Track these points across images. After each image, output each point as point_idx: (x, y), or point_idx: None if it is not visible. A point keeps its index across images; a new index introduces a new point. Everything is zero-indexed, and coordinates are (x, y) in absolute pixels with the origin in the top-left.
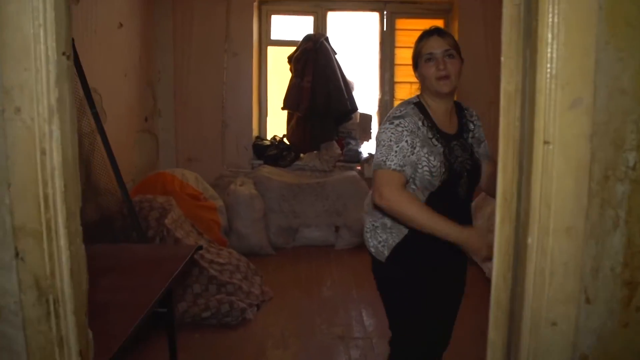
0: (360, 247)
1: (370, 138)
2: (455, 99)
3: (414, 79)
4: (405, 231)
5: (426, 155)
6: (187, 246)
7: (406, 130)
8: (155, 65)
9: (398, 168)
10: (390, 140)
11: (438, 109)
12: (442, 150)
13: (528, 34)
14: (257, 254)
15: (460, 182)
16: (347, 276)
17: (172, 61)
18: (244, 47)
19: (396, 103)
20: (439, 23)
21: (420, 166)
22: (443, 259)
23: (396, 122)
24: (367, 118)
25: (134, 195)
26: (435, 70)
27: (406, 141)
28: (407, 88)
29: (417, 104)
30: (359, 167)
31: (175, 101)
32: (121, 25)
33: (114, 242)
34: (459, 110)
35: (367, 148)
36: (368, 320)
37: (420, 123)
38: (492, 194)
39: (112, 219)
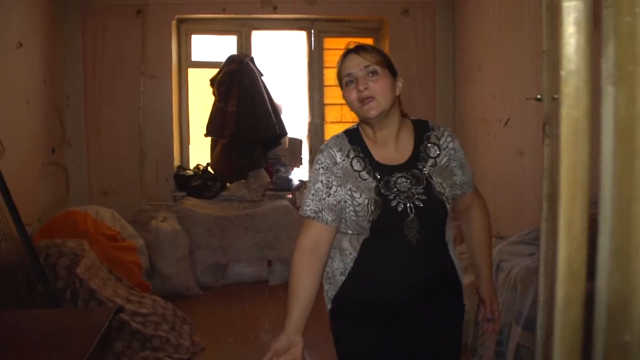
0: None
1: (301, 164)
2: (415, 117)
3: (344, 101)
4: (340, 281)
5: (350, 192)
6: (102, 310)
7: (322, 167)
8: (62, 89)
9: (312, 215)
10: (310, 181)
11: (377, 136)
12: (373, 184)
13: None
14: (183, 295)
15: (406, 223)
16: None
17: (82, 84)
18: (163, 69)
19: (326, 126)
20: (368, 41)
21: (345, 206)
22: (398, 311)
23: (317, 158)
24: (297, 143)
25: (40, 238)
26: (356, 92)
27: (321, 181)
28: (337, 110)
29: (352, 132)
30: (290, 196)
31: (86, 129)
32: (20, 45)
33: (15, 296)
34: (421, 132)
35: (298, 175)
36: None
37: (340, 156)
38: (481, 242)
39: (12, 269)
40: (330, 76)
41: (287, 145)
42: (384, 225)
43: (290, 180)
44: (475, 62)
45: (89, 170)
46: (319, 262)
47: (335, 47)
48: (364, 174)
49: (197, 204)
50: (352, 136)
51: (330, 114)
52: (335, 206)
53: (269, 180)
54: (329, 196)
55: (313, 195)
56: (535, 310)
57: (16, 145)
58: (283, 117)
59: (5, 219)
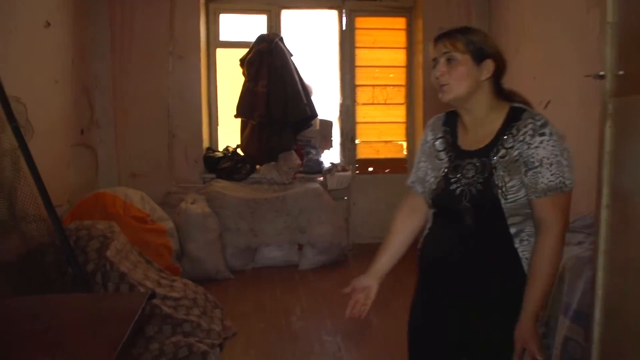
0: (327, 266)
1: (332, 146)
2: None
3: (377, 81)
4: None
5: (429, 170)
6: (135, 295)
7: (420, 143)
8: (91, 70)
9: (409, 184)
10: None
11: (464, 120)
12: (444, 166)
13: None
14: (213, 278)
15: (461, 208)
16: (317, 302)
17: (110, 65)
18: (191, 49)
19: (358, 108)
20: (401, 21)
21: (425, 182)
22: (446, 290)
23: None
24: (327, 124)
25: (70, 220)
26: (433, 77)
27: (418, 156)
28: (369, 91)
29: (451, 113)
30: (320, 178)
31: (115, 110)
32: (48, 24)
33: (46, 279)
34: (510, 120)
35: (329, 157)
36: (348, 356)
37: (431, 135)
38: (533, 271)
39: (43, 252)
40: (361, 57)
41: (317, 127)
42: (442, 205)
43: (321, 162)
44: (513, 45)
45: (118, 152)
46: (410, 225)
47: (366, 26)
48: (442, 154)
49: (227, 186)
50: (449, 118)
51: (362, 95)
52: (423, 179)
53: (299, 162)
54: (418, 170)
55: (414, 167)
56: (585, 302)
57: (45, 126)
58: (313, 98)
59: (35, 201)
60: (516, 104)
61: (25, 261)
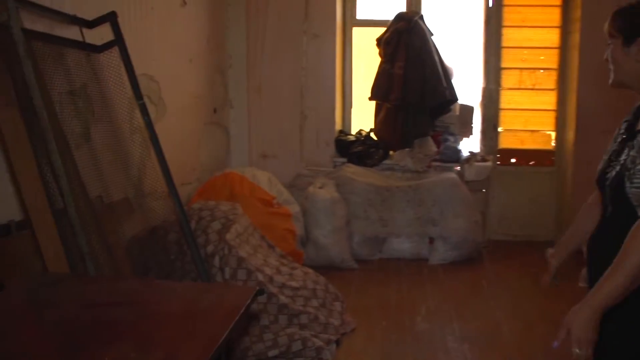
0: (458, 262)
1: (472, 134)
2: None
3: (525, 64)
4: None
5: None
6: (242, 290)
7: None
8: (225, 49)
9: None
10: None
11: None
12: (613, 148)
13: None
14: (337, 267)
15: (605, 194)
16: (445, 302)
17: (244, 44)
18: (326, 28)
19: (502, 93)
20: None
21: None
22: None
23: None
24: (468, 110)
25: (197, 199)
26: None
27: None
28: (516, 75)
29: None
30: (457, 168)
31: (248, 90)
32: (185, 2)
33: (166, 258)
34: None
35: (468, 145)
36: None
37: (624, 118)
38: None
39: (166, 231)
40: (509, 36)
41: (457, 113)
42: (599, 187)
43: (459, 151)
44: None
45: (250, 132)
46: (591, 212)
47: (516, 3)
48: (618, 137)
49: (358, 172)
50: None
51: (508, 79)
52: None
53: (436, 149)
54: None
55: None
56: None
57: (178, 104)
58: (454, 81)
59: (159, 179)
60: None
61: (148, 238)
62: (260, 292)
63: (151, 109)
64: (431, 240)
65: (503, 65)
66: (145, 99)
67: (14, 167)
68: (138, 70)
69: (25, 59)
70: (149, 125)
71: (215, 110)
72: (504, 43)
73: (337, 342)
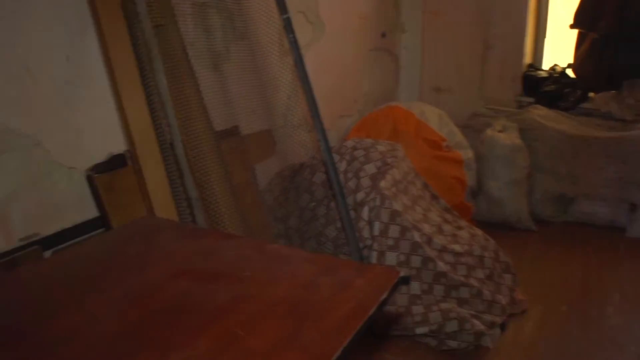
0: None
1: None
2: None
3: None
4: None
5: None
6: (382, 272)
7: None
8: None
9: None
10: None
11: None
12: None
13: None
14: (511, 226)
15: None
16: None
17: None
18: None
19: None
20: None
21: None
22: None
23: None
24: None
25: (354, 134)
26: None
27: None
28: None
29: None
30: None
31: (424, 12)
32: None
33: (311, 197)
34: None
35: None
36: None
37: None
38: None
39: (314, 170)
40: None
41: None
42: None
43: None
44: None
45: (423, 61)
46: None
47: None
48: None
49: (548, 116)
50: None
51: None
52: None
53: None
54: None
55: None
56: None
57: (340, 25)
58: None
59: (304, 114)
60: None
61: (292, 177)
62: (404, 280)
63: (306, 29)
64: (633, 207)
65: None
66: (299, 16)
67: (120, 91)
68: None
69: None
70: (294, 44)
71: (383, 35)
72: None
73: (502, 326)
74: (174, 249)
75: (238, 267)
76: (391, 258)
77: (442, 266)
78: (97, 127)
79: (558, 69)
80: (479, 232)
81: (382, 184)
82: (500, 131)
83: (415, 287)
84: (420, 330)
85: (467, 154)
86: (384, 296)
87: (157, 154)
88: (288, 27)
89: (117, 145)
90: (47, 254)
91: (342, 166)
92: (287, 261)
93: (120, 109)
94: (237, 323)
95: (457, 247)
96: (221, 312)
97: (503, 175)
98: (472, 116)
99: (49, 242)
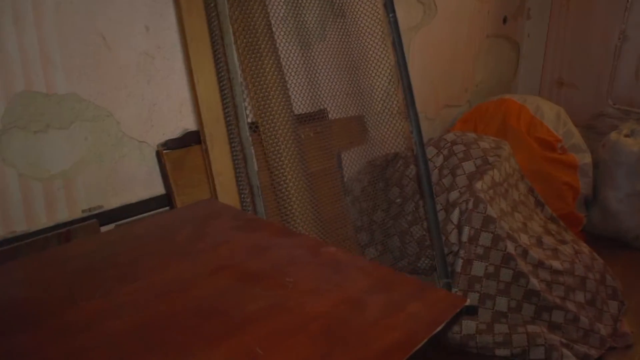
0: None
1: None
2: None
3: None
4: None
5: None
6: (441, 300)
7: None
8: None
9: None
10: None
11: None
12: None
13: None
14: (626, 244)
15: None
16: None
17: None
18: None
19: None
20: None
21: None
22: None
23: None
24: None
25: (459, 126)
26: None
27: None
28: None
29: None
30: None
31: None
32: None
33: (400, 191)
34: None
35: None
36: None
37: None
38: None
39: (408, 162)
40: None
41: None
42: None
43: None
44: None
45: (547, 51)
46: None
47: None
48: None
49: None
50: None
51: None
52: None
53: None
54: None
55: None
56: None
57: (455, 7)
58: None
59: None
60: None
61: (383, 168)
62: (470, 310)
63: (417, 9)
64: None
65: None
66: None
67: (192, 65)
68: None
69: None
70: (393, 24)
71: (505, 20)
72: None
73: None
74: (223, 240)
75: (283, 270)
76: (478, 268)
77: (535, 284)
78: (173, 101)
79: None
80: (585, 248)
81: (479, 185)
82: (627, 135)
83: (502, 302)
84: (500, 352)
85: (585, 158)
86: (439, 328)
87: (224, 135)
88: (389, 5)
89: (193, 121)
90: (110, 227)
91: (438, 161)
92: (339, 269)
93: (191, 83)
94: (260, 338)
95: (556, 264)
96: (248, 321)
97: (625, 186)
98: (596, 116)
99: (112, 215)
